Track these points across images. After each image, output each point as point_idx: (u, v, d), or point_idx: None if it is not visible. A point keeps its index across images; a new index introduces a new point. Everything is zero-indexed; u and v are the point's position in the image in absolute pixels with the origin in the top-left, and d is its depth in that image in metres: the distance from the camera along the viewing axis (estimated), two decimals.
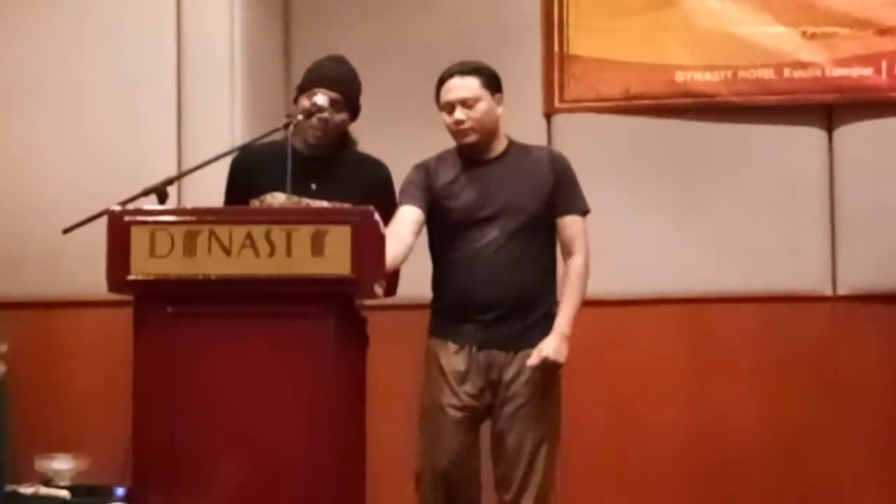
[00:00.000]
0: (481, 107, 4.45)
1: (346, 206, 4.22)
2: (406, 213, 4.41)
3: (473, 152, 4.50)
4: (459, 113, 4.44)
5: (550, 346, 4.36)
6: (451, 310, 4.46)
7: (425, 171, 4.53)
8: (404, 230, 4.31)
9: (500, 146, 4.54)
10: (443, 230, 4.49)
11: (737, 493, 5.78)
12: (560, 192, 4.50)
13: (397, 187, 4.53)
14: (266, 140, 4.38)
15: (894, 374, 5.76)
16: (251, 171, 4.34)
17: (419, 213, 4.42)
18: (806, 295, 5.84)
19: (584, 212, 4.57)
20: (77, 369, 5.69)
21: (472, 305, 4.41)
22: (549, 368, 4.38)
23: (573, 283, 4.48)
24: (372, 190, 4.36)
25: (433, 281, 4.55)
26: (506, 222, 4.42)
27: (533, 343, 4.39)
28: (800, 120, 5.88)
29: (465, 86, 4.46)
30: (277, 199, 4.24)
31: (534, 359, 4.36)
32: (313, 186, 4.26)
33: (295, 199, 4.18)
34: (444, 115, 4.50)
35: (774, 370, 5.83)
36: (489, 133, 4.49)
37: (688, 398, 5.87)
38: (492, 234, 4.41)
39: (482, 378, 4.41)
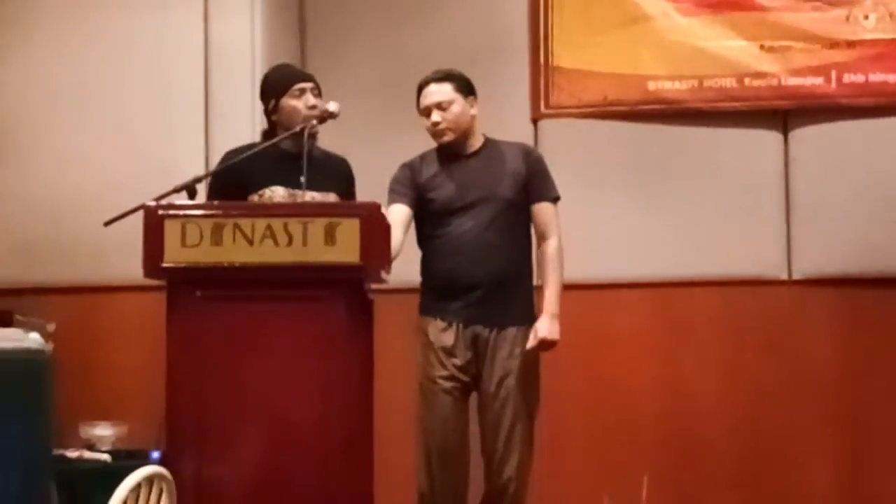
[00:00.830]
0: (455, 109, 4.45)
1: (332, 195, 4.31)
2: (396, 211, 4.41)
3: (452, 149, 4.50)
4: (436, 115, 4.45)
5: (545, 328, 4.37)
6: (438, 290, 4.45)
7: (410, 168, 4.53)
8: (396, 229, 4.27)
9: (476, 143, 4.54)
10: (428, 219, 4.48)
11: (702, 455, 5.79)
12: (533, 182, 4.50)
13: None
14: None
15: (843, 348, 5.77)
16: (246, 171, 4.31)
17: (408, 210, 4.43)
18: (764, 279, 5.84)
19: (555, 198, 4.56)
20: (117, 346, 5.71)
21: (458, 286, 4.41)
22: (546, 347, 4.40)
23: (553, 265, 4.48)
24: (343, 181, 4.46)
25: (422, 264, 4.54)
26: (484, 210, 4.41)
27: (514, 320, 4.42)
28: (758, 124, 5.87)
29: (440, 91, 4.46)
30: (276, 192, 4.27)
31: (531, 341, 4.38)
32: (302, 180, 4.26)
33: (291, 191, 4.22)
34: (424, 119, 4.50)
35: (736, 346, 5.83)
36: (465, 132, 4.49)
37: (659, 371, 5.87)
38: (472, 221, 4.41)
39: (469, 351, 4.41)
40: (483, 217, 4.41)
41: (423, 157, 4.56)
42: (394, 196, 4.45)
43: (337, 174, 4.46)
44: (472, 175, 4.46)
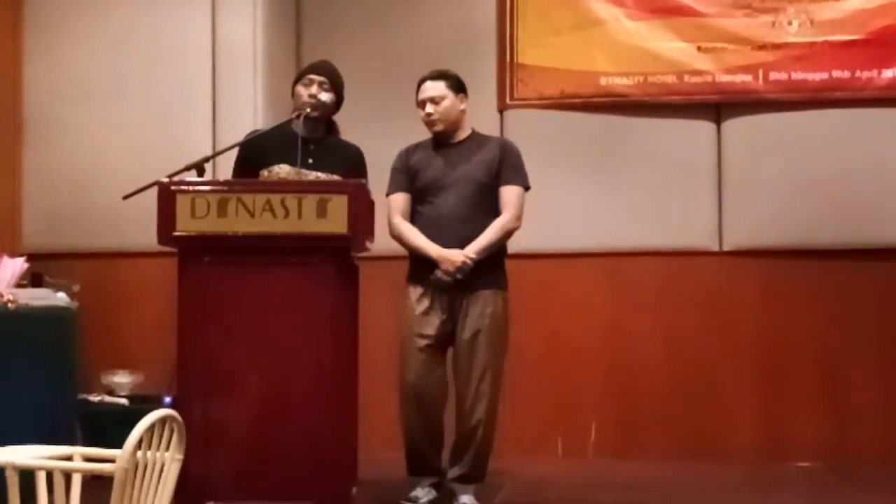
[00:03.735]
0: (446, 103, 4.46)
1: (336, 177, 4.25)
2: (402, 200, 4.46)
3: (442, 138, 4.52)
4: (429, 108, 4.46)
5: (460, 254, 4.32)
6: (421, 258, 4.44)
7: (405, 153, 4.56)
8: (399, 215, 4.43)
9: (463, 134, 4.55)
10: (414, 195, 4.50)
11: (644, 403, 5.83)
12: (503, 169, 4.49)
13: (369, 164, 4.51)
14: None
15: (766, 311, 5.81)
16: (260, 149, 4.31)
17: (407, 197, 4.46)
18: (698, 250, 5.86)
19: (522, 185, 4.53)
20: (134, 304, 5.70)
21: None
22: (448, 267, 4.32)
23: (493, 228, 4.39)
24: (352, 165, 4.40)
25: None
26: (461, 190, 4.42)
27: (485, 284, 4.40)
28: (695, 115, 5.88)
29: (434, 87, 4.48)
30: (283, 169, 4.26)
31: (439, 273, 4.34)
32: (310, 161, 4.26)
33: (297, 169, 4.20)
34: (419, 110, 4.51)
35: (673, 308, 5.86)
36: (453, 123, 4.50)
37: (608, 330, 5.90)
38: (449, 199, 4.41)
39: (445, 312, 4.41)
40: (459, 196, 4.41)
41: (418, 144, 4.59)
42: (395, 185, 4.49)
43: (344, 160, 4.43)
44: (453, 161, 4.48)
